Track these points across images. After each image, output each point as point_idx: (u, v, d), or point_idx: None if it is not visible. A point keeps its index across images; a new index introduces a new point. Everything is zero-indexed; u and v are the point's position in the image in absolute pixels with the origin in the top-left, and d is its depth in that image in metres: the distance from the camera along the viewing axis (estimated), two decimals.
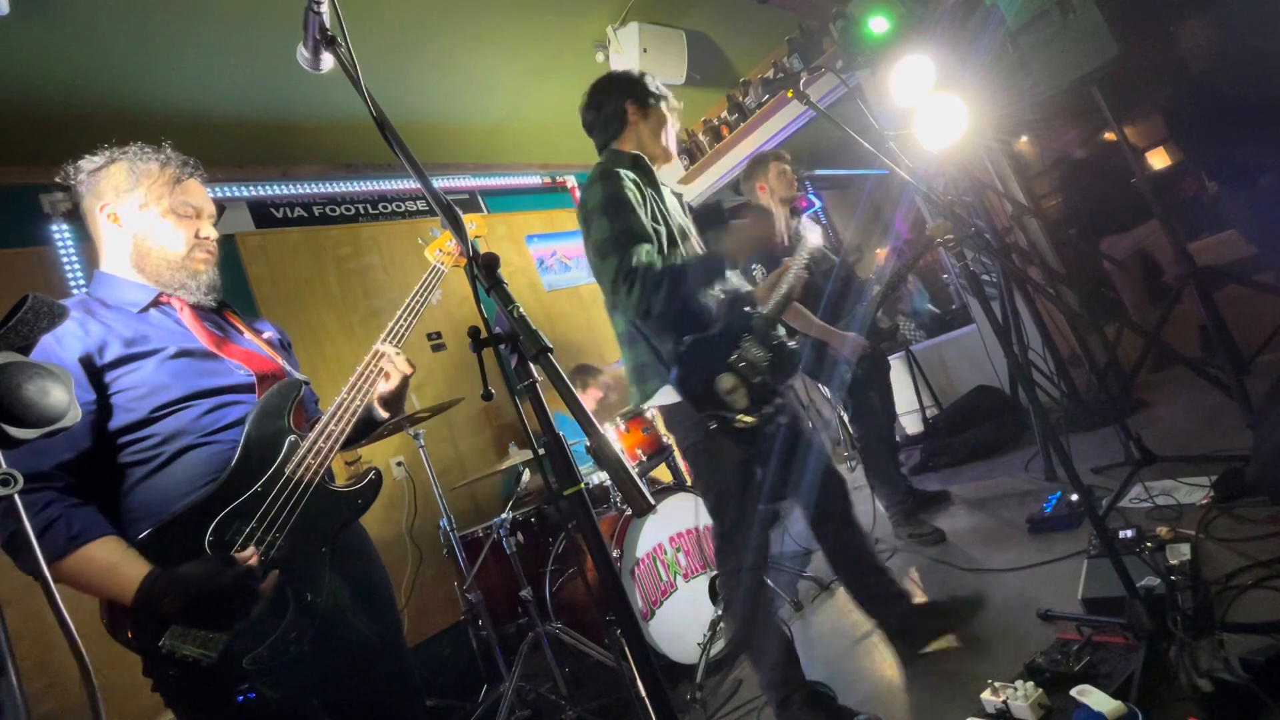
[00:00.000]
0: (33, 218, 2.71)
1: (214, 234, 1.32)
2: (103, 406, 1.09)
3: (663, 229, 1.69)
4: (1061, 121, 3.76)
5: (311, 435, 1.19)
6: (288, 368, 1.33)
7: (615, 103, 1.81)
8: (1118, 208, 3.65)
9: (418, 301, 1.41)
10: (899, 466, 2.89)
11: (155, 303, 1.23)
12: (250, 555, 1.05)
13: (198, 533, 1.06)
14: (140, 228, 1.23)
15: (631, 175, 1.69)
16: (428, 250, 1.59)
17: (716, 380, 1.62)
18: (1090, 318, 3.40)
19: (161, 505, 1.09)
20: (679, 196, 1.91)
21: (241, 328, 1.37)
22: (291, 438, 1.18)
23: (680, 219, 1.80)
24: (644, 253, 1.58)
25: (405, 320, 1.37)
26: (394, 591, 1.39)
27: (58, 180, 1.26)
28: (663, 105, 1.82)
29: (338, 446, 1.20)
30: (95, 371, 1.09)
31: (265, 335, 1.39)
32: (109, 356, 1.10)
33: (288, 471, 1.14)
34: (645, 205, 1.67)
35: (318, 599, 1.12)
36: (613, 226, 1.61)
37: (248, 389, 1.23)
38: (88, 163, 1.24)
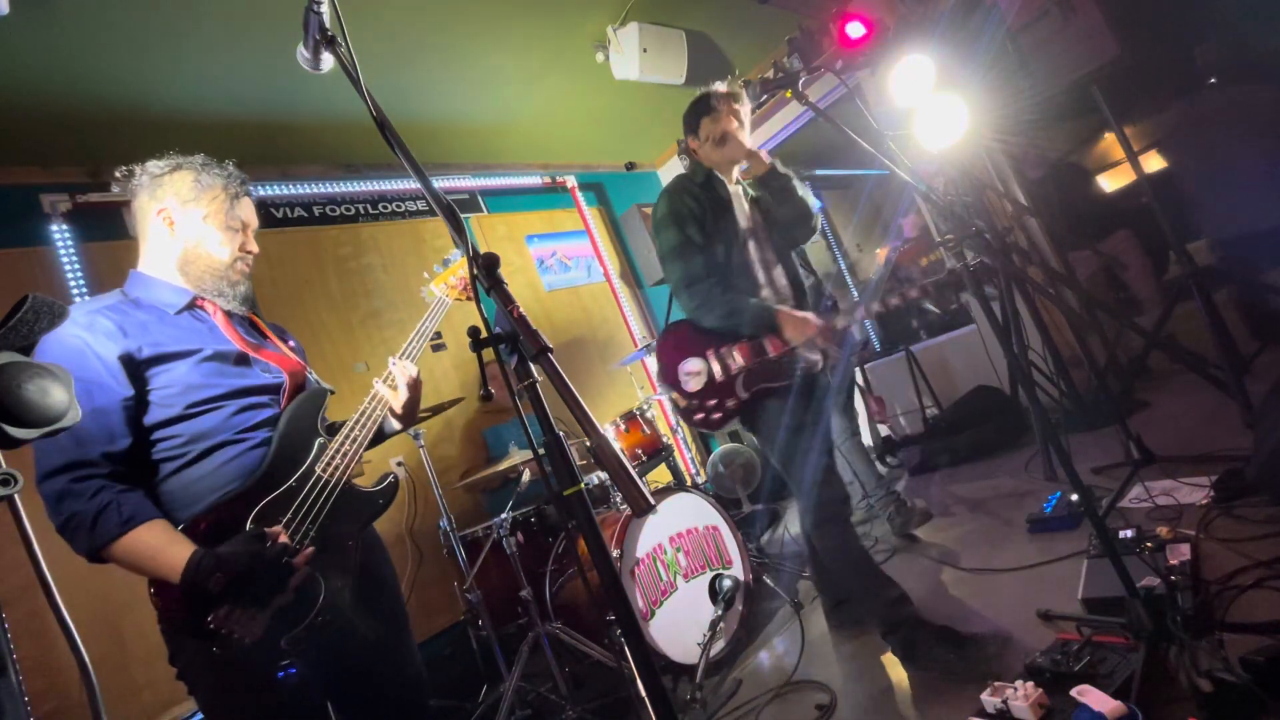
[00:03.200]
0: (33, 218, 2.70)
1: (256, 248, 1.40)
2: (140, 402, 1.17)
3: (722, 237, 1.93)
4: (1049, 127, 3.79)
5: (338, 439, 1.29)
6: (315, 377, 1.44)
7: (685, 137, 2.04)
8: (1084, 222, 3.69)
9: (427, 328, 1.53)
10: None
11: (190, 306, 1.30)
12: (279, 533, 1.13)
13: (238, 522, 1.14)
14: (193, 235, 1.31)
15: (694, 193, 1.95)
16: (434, 282, 1.70)
17: (684, 363, 1.94)
18: (1090, 318, 3.41)
19: (193, 498, 1.17)
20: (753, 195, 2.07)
21: (268, 334, 1.45)
22: (320, 440, 1.29)
23: (746, 220, 2.00)
24: (698, 265, 1.89)
25: (415, 343, 1.47)
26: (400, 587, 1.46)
27: (117, 176, 1.33)
28: (707, 120, 1.95)
29: (361, 450, 1.31)
30: (134, 368, 1.16)
31: (289, 343, 1.49)
32: (146, 354, 1.17)
33: (318, 470, 1.24)
34: (706, 218, 1.92)
35: (346, 587, 1.21)
36: (670, 240, 1.92)
37: (276, 389, 1.32)
38: (154, 166, 1.32)
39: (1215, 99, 3.07)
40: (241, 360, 1.29)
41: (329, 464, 1.26)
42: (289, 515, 1.18)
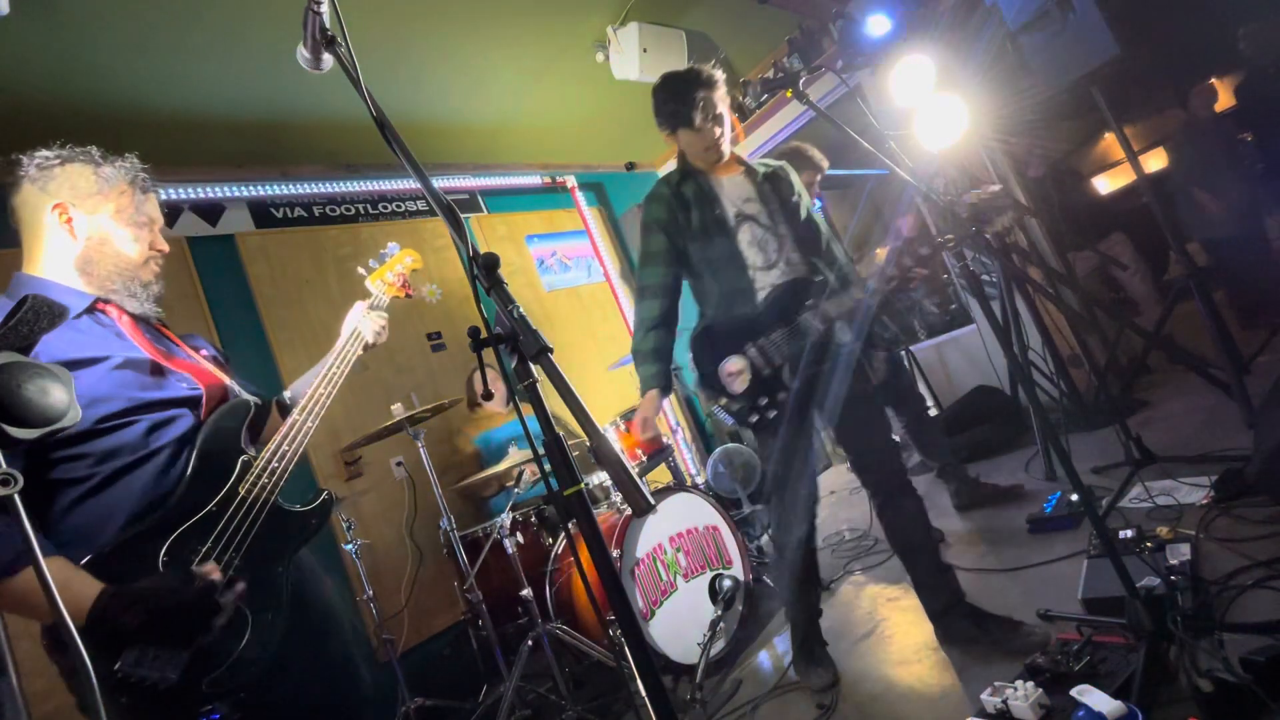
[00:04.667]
0: None
1: (165, 246, 1.29)
2: None
3: (702, 233, 1.88)
4: (1049, 127, 3.80)
5: (265, 455, 1.17)
6: (235, 385, 1.31)
7: (657, 121, 1.95)
8: (1080, 224, 3.71)
9: (348, 353, 1.39)
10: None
11: (90, 309, 1.17)
12: (212, 569, 1.02)
13: (150, 553, 1.02)
14: (96, 231, 1.18)
15: (664, 197, 1.91)
16: (370, 279, 1.60)
17: (725, 364, 1.79)
18: (1090, 318, 3.41)
19: (100, 527, 1.04)
20: (759, 173, 1.96)
21: (178, 343, 1.32)
22: (244, 457, 1.17)
23: (741, 204, 1.90)
24: (651, 276, 1.92)
25: (338, 367, 1.35)
26: (351, 606, 1.34)
27: None
28: (683, 131, 1.86)
29: (291, 466, 1.20)
30: None
31: (202, 352, 1.35)
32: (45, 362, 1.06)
33: (242, 491, 1.13)
34: (673, 222, 1.89)
35: (277, 619, 1.10)
36: (640, 247, 1.97)
37: (193, 403, 1.20)
38: (41, 157, 1.18)
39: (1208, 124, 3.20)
40: (155, 370, 1.16)
41: (254, 483, 1.14)
42: (209, 544, 1.06)
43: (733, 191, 1.92)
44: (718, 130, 1.85)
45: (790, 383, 1.76)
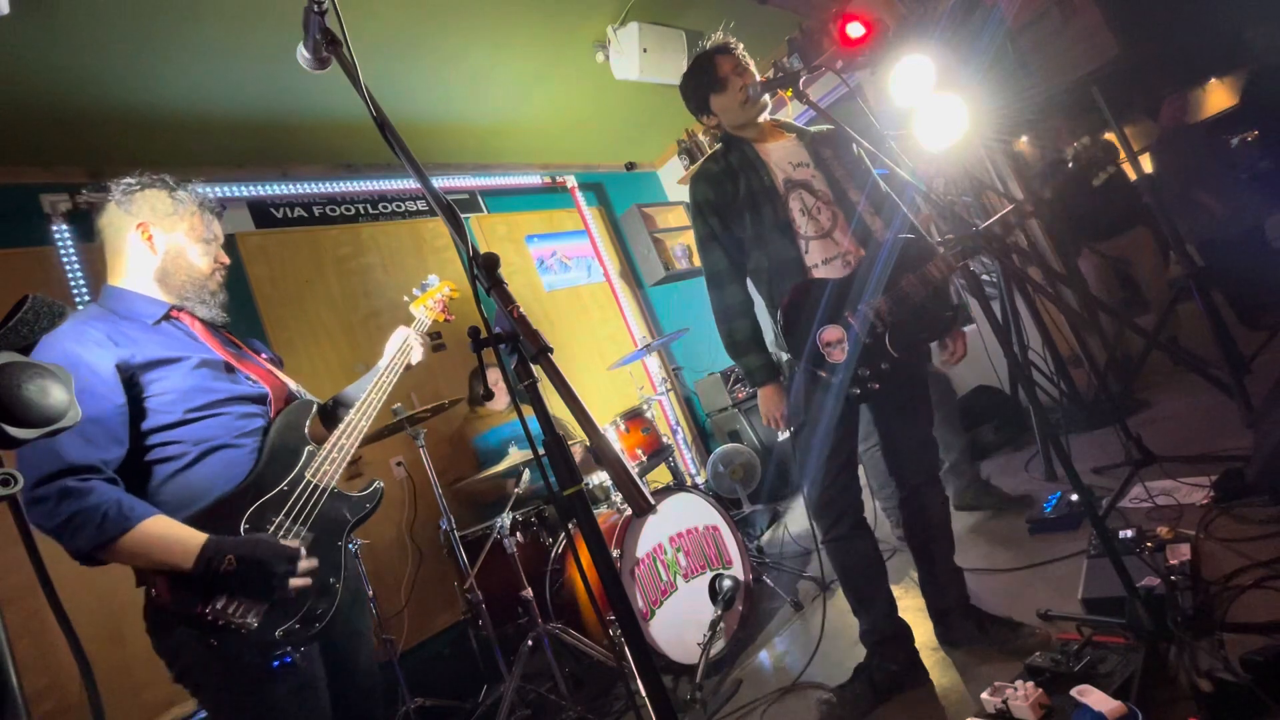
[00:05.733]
0: (33, 218, 2.70)
1: (228, 259, 1.48)
2: (136, 408, 1.21)
3: (750, 203, 1.77)
4: (1049, 126, 3.79)
5: (326, 446, 1.36)
6: (297, 387, 1.49)
7: (698, 117, 1.92)
8: (1098, 217, 3.70)
9: (396, 363, 1.58)
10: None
11: (167, 316, 1.34)
12: (296, 545, 1.21)
13: (233, 520, 1.20)
14: (173, 246, 1.37)
15: (711, 175, 1.81)
16: (413, 305, 1.80)
17: (821, 331, 1.68)
18: (1090, 318, 3.41)
19: (190, 498, 1.22)
20: (810, 134, 1.86)
21: (243, 347, 1.49)
22: (310, 447, 1.35)
23: (791, 170, 1.79)
24: (717, 260, 1.82)
25: (388, 378, 1.53)
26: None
27: (84, 193, 1.37)
28: (717, 97, 1.83)
29: (348, 458, 1.38)
30: (129, 375, 1.20)
31: (262, 355, 1.52)
32: (139, 360, 1.22)
33: (307, 476, 1.30)
34: (721, 197, 1.79)
35: (337, 583, 1.28)
36: (695, 232, 1.88)
37: (261, 400, 1.38)
38: (125, 183, 1.36)
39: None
40: (228, 368, 1.35)
41: (319, 470, 1.31)
42: (280, 516, 1.23)
43: (781, 157, 1.80)
44: (747, 78, 1.79)
45: (893, 352, 1.64)
